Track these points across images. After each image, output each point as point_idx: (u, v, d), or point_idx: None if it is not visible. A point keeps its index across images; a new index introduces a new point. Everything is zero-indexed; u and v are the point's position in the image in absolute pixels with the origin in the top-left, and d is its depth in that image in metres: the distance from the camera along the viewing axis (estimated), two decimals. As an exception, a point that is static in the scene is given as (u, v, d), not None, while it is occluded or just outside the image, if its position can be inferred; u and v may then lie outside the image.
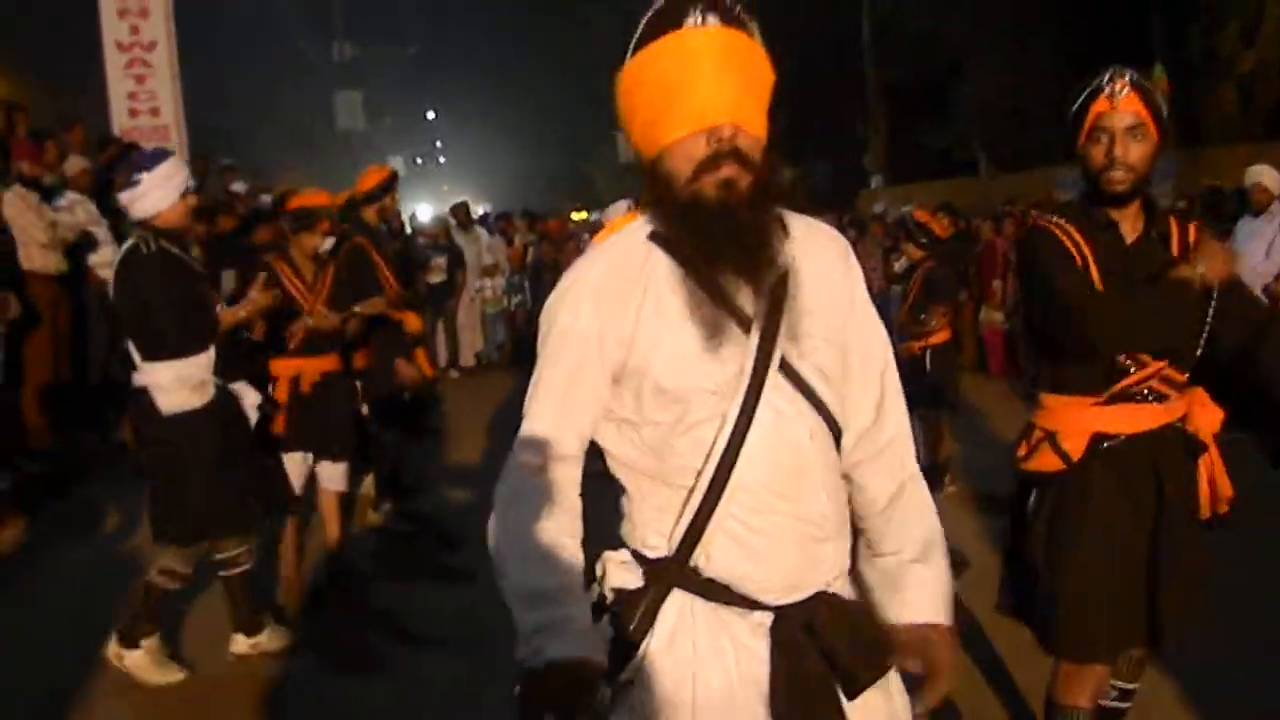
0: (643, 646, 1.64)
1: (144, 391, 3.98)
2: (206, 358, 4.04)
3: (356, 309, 5.25)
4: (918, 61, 22.38)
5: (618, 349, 1.63)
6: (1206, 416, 2.70)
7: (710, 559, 1.62)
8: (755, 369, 1.59)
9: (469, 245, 12.59)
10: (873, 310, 1.79)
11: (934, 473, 6.41)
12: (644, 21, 1.61)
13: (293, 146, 24.75)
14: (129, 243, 4.05)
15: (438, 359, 11.74)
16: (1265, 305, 3.01)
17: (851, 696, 1.63)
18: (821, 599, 1.65)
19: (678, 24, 1.56)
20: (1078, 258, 2.65)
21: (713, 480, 1.59)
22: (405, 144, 39.71)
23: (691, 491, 1.61)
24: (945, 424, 6.45)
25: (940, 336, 6.28)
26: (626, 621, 1.64)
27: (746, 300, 1.61)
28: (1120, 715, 3.06)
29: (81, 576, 5.43)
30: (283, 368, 4.94)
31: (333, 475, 5.11)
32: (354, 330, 5.21)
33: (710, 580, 1.62)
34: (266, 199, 11.34)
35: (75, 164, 7.91)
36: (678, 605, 1.64)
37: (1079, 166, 2.70)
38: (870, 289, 1.82)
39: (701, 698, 1.61)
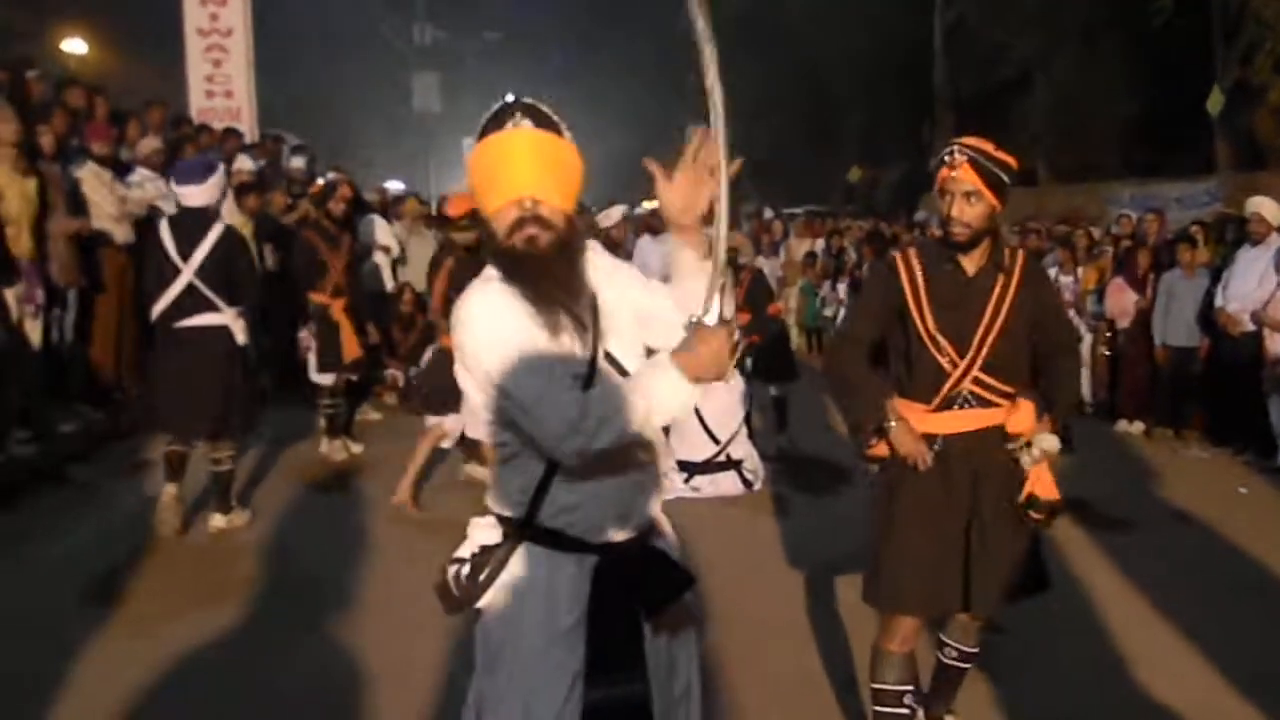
0: (493, 586, 2.21)
1: (221, 329, 5.62)
2: None
3: None
4: (986, 71, 22.46)
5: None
6: (1017, 417, 3.20)
7: (548, 514, 2.18)
8: (590, 359, 2.15)
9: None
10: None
11: None
12: (483, 121, 2.17)
13: (370, 127, 25.62)
14: (227, 223, 5.90)
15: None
16: (1069, 334, 3.54)
17: (650, 615, 2.20)
18: (632, 544, 2.20)
19: (502, 126, 2.13)
20: (908, 291, 3.23)
21: None
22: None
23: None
24: None
25: None
26: (482, 567, 2.21)
27: (582, 311, 2.16)
28: (960, 673, 3.58)
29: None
30: None
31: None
32: None
33: (549, 530, 2.18)
34: (333, 176, 12.10)
35: (148, 144, 8.67)
36: (523, 553, 2.21)
37: None
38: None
39: (533, 615, 2.18)
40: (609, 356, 2.18)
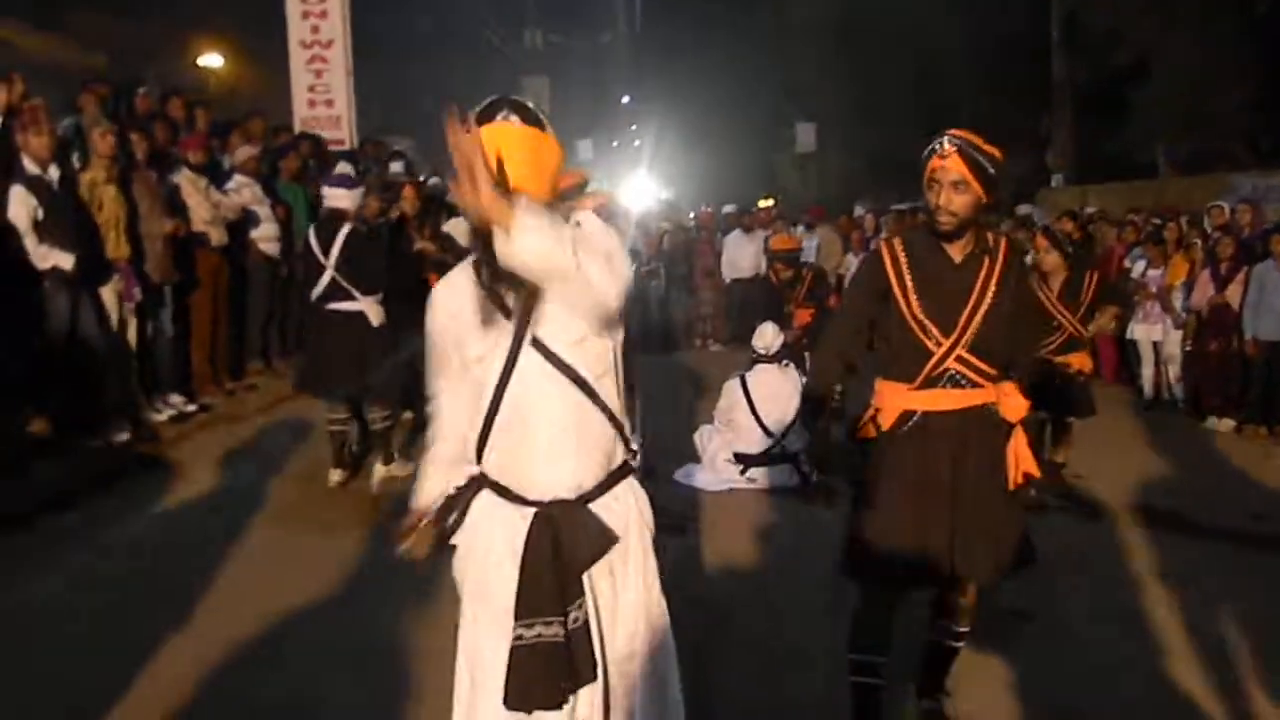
0: (464, 522, 2.49)
1: (358, 314, 6.57)
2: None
3: None
4: (1103, 60, 21.73)
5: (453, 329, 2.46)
6: (1010, 405, 3.34)
7: (489, 468, 2.46)
8: (512, 343, 2.37)
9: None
10: None
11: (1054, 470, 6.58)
12: (474, 112, 2.34)
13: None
14: (353, 224, 6.66)
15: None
16: (1034, 335, 3.62)
17: (576, 572, 2.40)
18: (567, 504, 2.41)
19: (491, 119, 2.31)
20: (892, 277, 3.34)
21: (487, 414, 2.41)
22: (601, 127, 41.16)
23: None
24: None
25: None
26: (453, 505, 2.50)
27: (512, 301, 2.38)
28: (951, 654, 3.66)
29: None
30: None
31: None
32: None
33: (494, 482, 2.46)
34: (433, 181, 12.58)
35: (244, 151, 9.20)
36: (483, 499, 2.48)
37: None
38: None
39: (479, 556, 2.46)
40: (536, 341, 2.37)
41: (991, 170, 3.19)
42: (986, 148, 3.19)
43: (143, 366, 7.62)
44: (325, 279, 6.58)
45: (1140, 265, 10.03)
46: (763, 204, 14.48)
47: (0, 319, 6.51)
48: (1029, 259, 6.67)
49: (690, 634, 4.30)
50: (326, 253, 6.55)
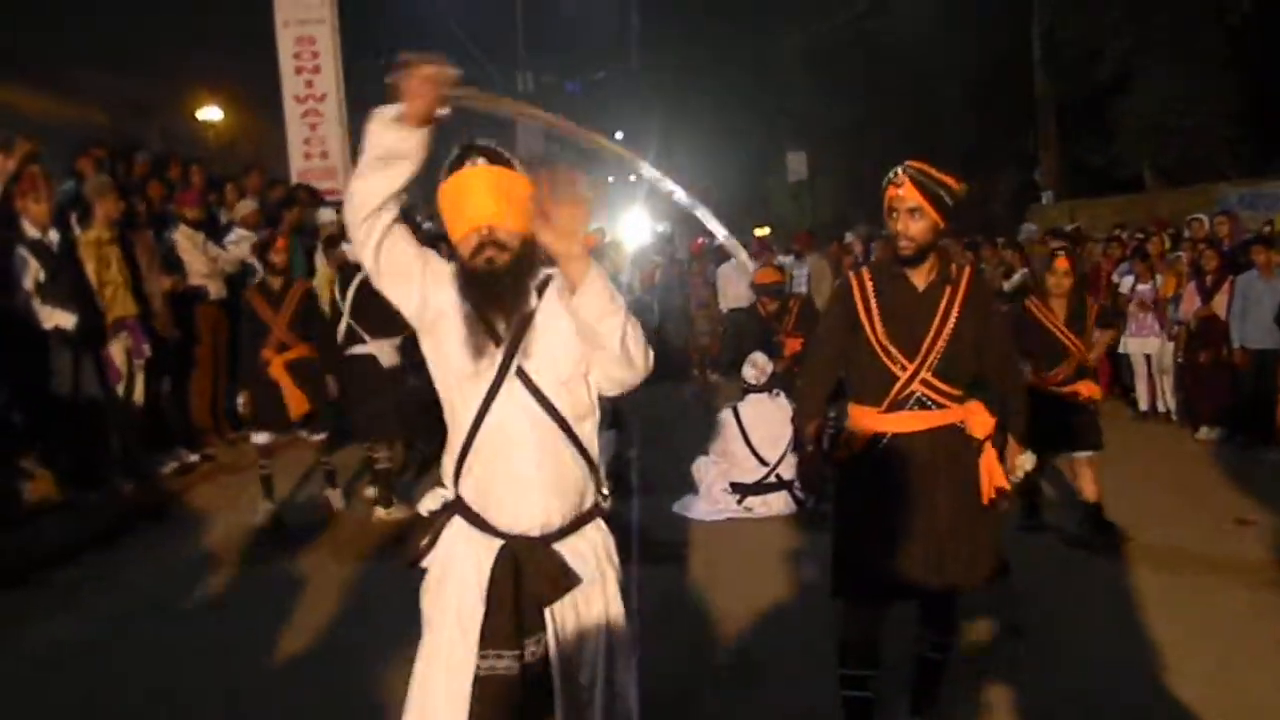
0: (434, 548, 2.58)
1: (369, 356, 6.91)
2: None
3: None
4: (1085, 76, 21.95)
5: (431, 293, 2.50)
6: (978, 422, 3.48)
7: (464, 494, 2.54)
8: (498, 372, 2.47)
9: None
10: None
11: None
12: (447, 162, 2.52)
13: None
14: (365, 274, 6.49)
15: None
16: (1008, 362, 3.70)
17: (541, 606, 2.49)
18: (532, 541, 2.50)
19: (462, 165, 2.48)
20: (860, 306, 3.50)
21: (465, 440, 2.50)
22: (596, 164, 41.30)
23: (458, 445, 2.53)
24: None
25: None
26: (425, 531, 2.58)
27: (503, 329, 2.50)
28: (939, 666, 3.75)
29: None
30: None
31: None
32: None
33: (467, 509, 2.54)
34: (429, 226, 12.75)
35: (244, 206, 9.40)
36: (454, 525, 2.57)
37: None
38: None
39: (449, 584, 2.54)
40: (522, 373, 2.47)
41: (946, 198, 3.34)
42: (940, 176, 3.35)
43: (150, 420, 7.74)
44: (342, 325, 6.99)
45: (1129, 280, 10.15)
46: (758, 233, 14.60)
47: (5, 376, 6.66)
48: (1049, 280, 6.31)
49: (688, 661, 4.49)
50: (345, 300, 7.00)
